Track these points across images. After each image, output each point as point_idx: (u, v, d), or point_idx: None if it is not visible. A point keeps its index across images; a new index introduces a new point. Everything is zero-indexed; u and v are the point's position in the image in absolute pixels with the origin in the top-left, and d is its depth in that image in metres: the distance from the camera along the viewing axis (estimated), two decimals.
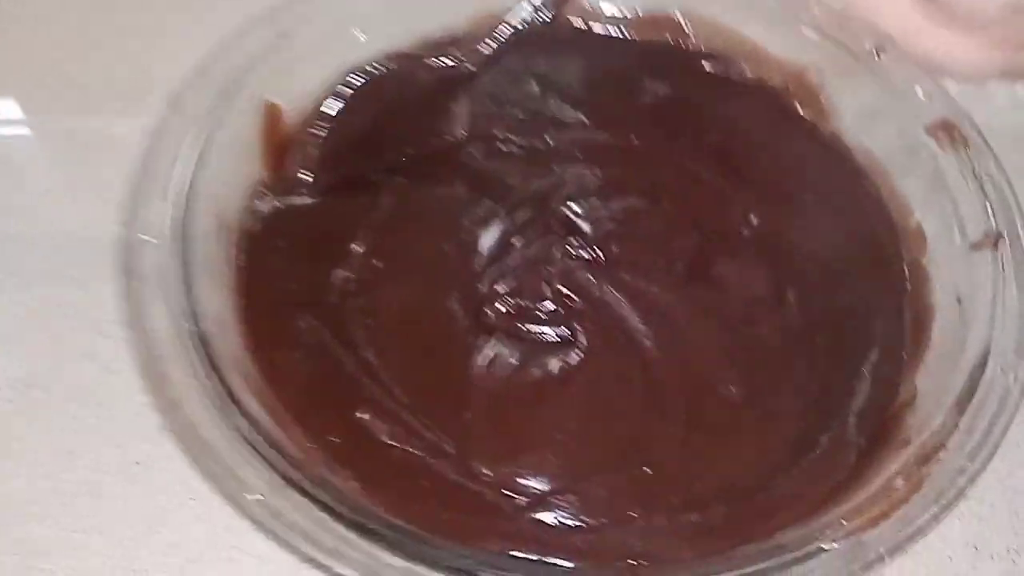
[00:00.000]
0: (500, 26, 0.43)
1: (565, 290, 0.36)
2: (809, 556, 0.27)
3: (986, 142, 0.36)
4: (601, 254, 0.37)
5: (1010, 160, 0.36)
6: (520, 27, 0.43)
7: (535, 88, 0.43)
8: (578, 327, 0.35)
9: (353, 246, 0.36)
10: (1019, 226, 0.35)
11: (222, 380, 0.29)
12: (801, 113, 0.42)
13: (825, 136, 0.41)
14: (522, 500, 0.30)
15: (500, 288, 0.35)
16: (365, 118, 0.40)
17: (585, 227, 0.38)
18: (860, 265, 0.37)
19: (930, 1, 0.41)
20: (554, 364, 0.34)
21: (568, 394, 0.33)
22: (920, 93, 0.38)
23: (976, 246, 0.34)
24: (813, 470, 0.31)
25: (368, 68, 0.41)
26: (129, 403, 0.35)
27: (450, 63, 0.42)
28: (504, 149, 0.40)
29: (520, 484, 0.31)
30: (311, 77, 0.40)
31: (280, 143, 0.38)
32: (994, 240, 0.34)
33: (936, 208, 0.37)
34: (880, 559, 0.26)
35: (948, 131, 0.37)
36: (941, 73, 0.39)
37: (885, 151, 0.39)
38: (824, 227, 0.38)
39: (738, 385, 0.34)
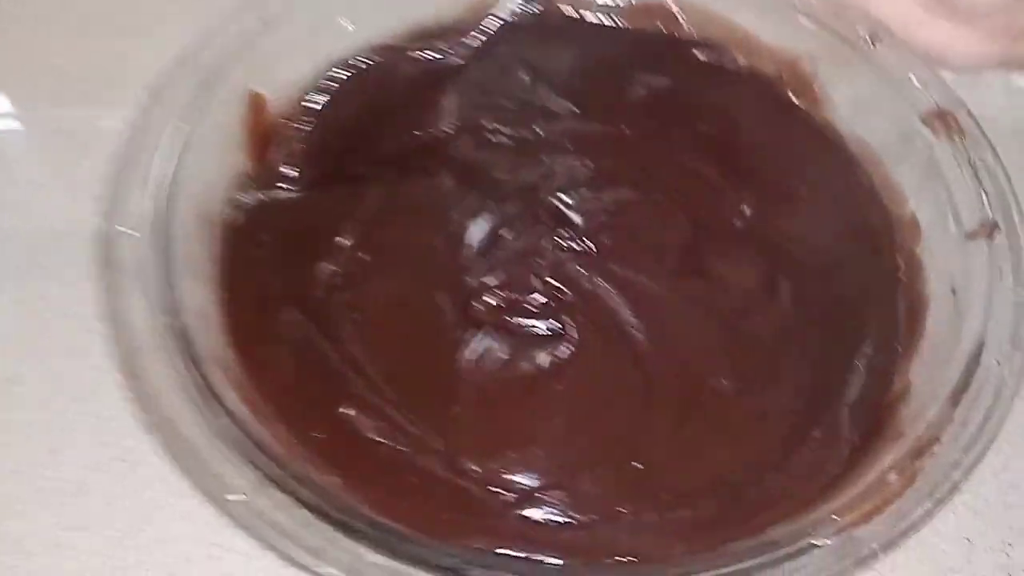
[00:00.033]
0: (489, 16, 0.42)
1: (555, 283, 0.35)
2: (801, 552, 0.26)
3: (982, 131, 0.36)
4: (592, 246, 0.36)
5: (1006, 150, 0.36)
6: (510, 18, 0.42)
7: (525, 78, 0.42)
8: (568, 320, 0.34)
9: (339, 239, 0.35)
10: (1015, 215, 0.34)
11: (203, 376, 0.29)
12: (794, 102, 0.41)
13: (819, 125, 0.40)
14: (510, 496, 0.30)
15: (489, 281, 0.35)
16: (351, 111, 0.39)
17: (575, 219, 0.37)
18: (854, 255, 0.37)
19: None
20: (544, 358, 0.33)
21: (558, 388, 0.33)
22: (915, 81, 0.38)
23: (971, 236, 0.34)
24: (805, 464, 0.31)
25: (354, 61, 0.40)
26: (112, 399, 0.34)
27: (437, 56, 0.41)
28: (493, 140, 0.40)
29: (508, 480, 0.30)
30: (296, 67, 0.39)
31: (264, 134, 0.38)
32: (989, 230, 0.34)
33: (931, 197, 0.36)
34: (873, 555, 0.26)
35: (943, 119, 0.36)
36: (938, 63, 0.39)
37: (879, 140, 0.38)
38: (817, 217, 0.38)
39: (730, 378, 0.33)
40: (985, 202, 0.34)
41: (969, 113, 0.36)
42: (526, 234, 0.36)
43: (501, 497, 0.30)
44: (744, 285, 0.36)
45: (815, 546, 0.26)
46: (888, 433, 0.31)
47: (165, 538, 0.32)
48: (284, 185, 0.37)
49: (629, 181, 0.38)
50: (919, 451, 0.29)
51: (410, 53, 0.41)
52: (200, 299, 0.32)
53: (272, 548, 0.26)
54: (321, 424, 0.30)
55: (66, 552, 0.32)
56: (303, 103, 0.39)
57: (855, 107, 0.39)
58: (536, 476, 0.31)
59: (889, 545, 0.26)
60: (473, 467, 0.30)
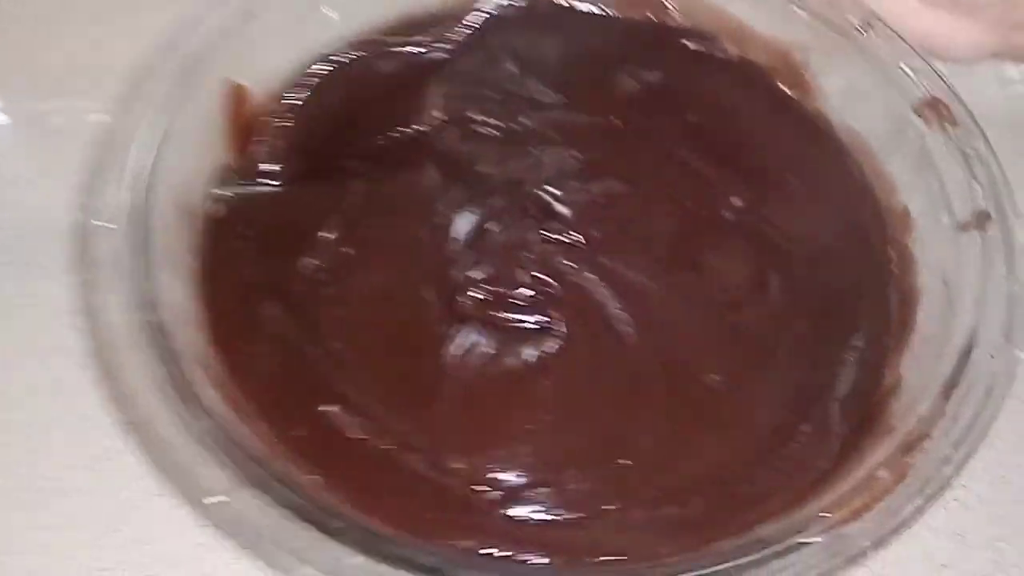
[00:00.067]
0: (476, 6, 0.42)
1: (543, 276, 0.35)
2: (790, 550, 0.26)
3: (975, 121, 0.35)
4: (580, 238, 0.36)
5: (998, 141, 0.35)
6: (497, 8, 0.42)
7: (513, 68, 0.41)
8: (556, 314, 0.34)
9: (322, 234, 0.35)
10: (1007, 206, 0.34)
11: (182, 373, 0.28)
12: (786, 92, 0.41)
13: (810, 116, 0.40)
14: (495, 494, 0.29)
15: (475, 275, 0.34)
16: (334, 105, 0.39)
17: (563, 211, 0.37)
18: (844, 248, 0.36)
19: None
20: (531, 353, 0.33)
21: (545, 383, 0.32)
22: (907, 71, 0.37)
23: (963, 227, 0.34)
24: (795, 460, 0.31)
25: (338, 57, 0.39)
26: (92, 397, 0.34)
27: (422, 50, 0.40)
28: (480, 132, 0.39)
29: (494, 478, 0.30)
30: (280, 57, 0.39)
31: (246, 126, 0.37)
32: (982, 221, 0.33)
33: (922, 188, 0.36)
34: (863, 553, 0.26)
35: (935, 109, 0.36)
36: (932, 54, 0.38)
37: (871, 130, 0.38)
38: (808, 209, 0.37)
39: (719, 373, 0.33)
40: (977, 193, 0.34)
41: (961, 103, 0.36)
42: (513, 227, 0.36)
43: (486, 495, 0.29)
44: (734, 278, 0.35)
45: (804, 544, 0.26)
46: (879, 428, 0.30)
47: (143, 539, 0.32)
48: (266, 180, 0.36)
49: (618, 173, 0.38)
50: (910, 446, 0.28)
51: (394, 49, 0.40)
52: (179, 294, 0.31)
53: (252, 550, 0.26)
54: (303, 422, 0.30)
55: (45, 552, 0.31)
56: (285, 99, 0.38)
57: (847, 97, 0.39)
58: (522, 473, 0.30)
59: (880, 543, 0.26)
60: (458, 464, 0.30)
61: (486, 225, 0.36)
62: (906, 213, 0.36)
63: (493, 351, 0.33)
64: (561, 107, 0.40)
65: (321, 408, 0.30)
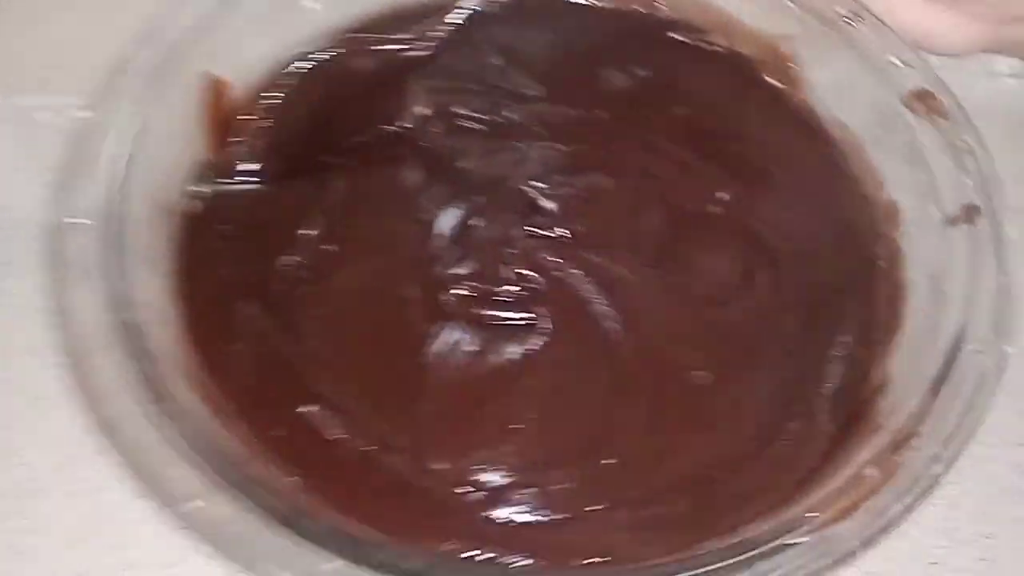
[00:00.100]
0: (459, 3, 0.41)
1: (527, 272, 0.34)
2: (777, 551, 0.25)
3: (964, 113, 0.35)
4: (565, 233, 0.35)
5: (988, 135, 0.35)
6: (480, 7, 0.41)
7: (498, 62, 0.41)
8: (541, 311, 0.33)
9: (302, 231, 0.34)
10: (996, 201, 0.33)
11: (157, 373, 0.28)
12: (774, 84, 0.40)
13: (798, 108, 0.39)
14: (479, 495, 0.29)
15: (459, 271, 0.34)
16: (315, 103, 0.38)
17: (548, 206, 0.36)
18: (832, 242, 0.36)
19: None
20: (515, 350, 0.32)
21: (529, 381, 0.32)
22: (896, 62, 0.37)
23: (952, 221, 0.33)
24: (782, 458, 0.30)
25: (318, 54, 0.39)
26: (65, 398, 0.33)
27: (405, 46, 0.40)
28: (464, 126, 0.39)
29: (477, 478, 0.29)
30: (259, 49, 0.38)
31: (225, 120, 0.36)
32: (971, 215, 0.33)
33: (911, 182, 0.35)
34: (851, 554, 0.25)
35: (924, 100, 0.35)
36: (923, 48, 0.38)
37: (859, 123, 0.37)
38: (795, 203, 0.37)
39: (705, 369, 0.32)
40: (967, 187, 0.34)
41: (951, 94, 0.35)
42: (497, 222, 0.35)
43: (469, 497, 0.29)
44: (720, 273, 0.35)
45: (792, 545, 0.25)
46: (866, 425, 0.30)
47: (118, 544, 0.31)
48: (245, 178, 0.36)
49: (603, 167, 0.37)
50: (898, 444, 0.28)
51: (374, 47, 0.39)
52: (155, 293, 0.31)
53: (229, 555, 0.25)
54: (282, 422, 0.29)
55: (20, 556, 0.31)
56: (264, 98, 0.37)
57: (835, 90, 0.38)
58: (506, 474, 0.30)
59: (868, 542, 0.26)
60: (440, 465, 0.29)
61: (470, 221, 0.35)
62: (894, 207, 0.36)
63: (477, 349, 0.32)
64: (547, 100, 0.40)
65: (300, 409, 0.30)
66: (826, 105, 0.39)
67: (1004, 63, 0.45)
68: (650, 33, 0.42)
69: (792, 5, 0.39)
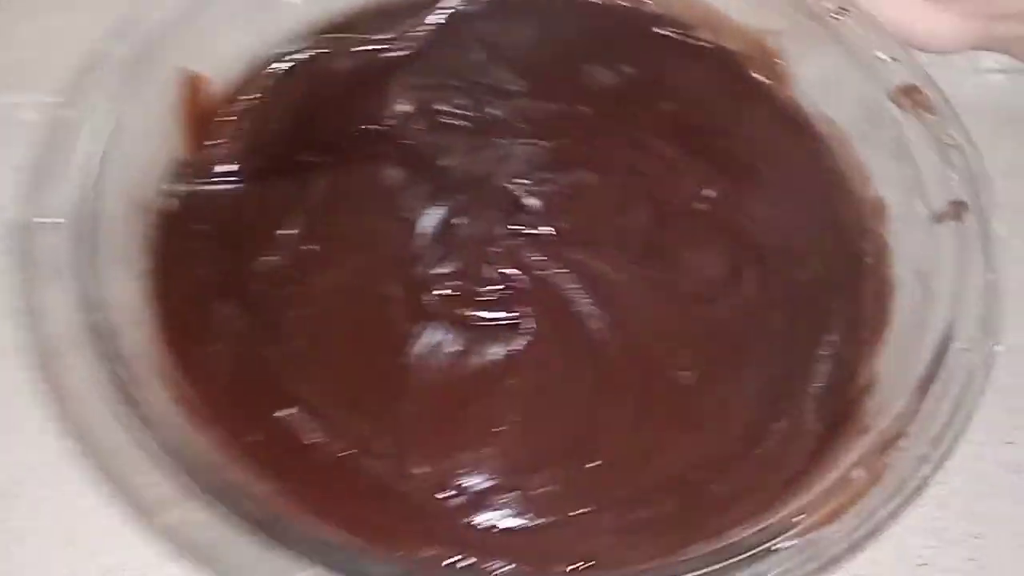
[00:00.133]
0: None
1: (511, 271, 0.34)
2: (763, 556, 0.25)
3: (951, 108, 0.35)
4: (550, 231, 0.35)
5: (975, 130, 0.34)
6: (461, 6, 0.40)
7: (482, 57, 0.40)
8: (525, 310, 0.33)
9: (283, 230, 0.34)
10: (984, 196, 0.33)
11: (129, 377, 0.27)
12: (760, 80, 0.40)
13: (784, 104, 0.39)
14: (460, 500, 0.28)
15: (442, 270, 0.33)
16: (295, 104, 0.37)
17: (532, 203, 0.36)
18: (819, 239, 0.35)
19: None
20: (498, 350, 0.32)
21: (513, 382, 0.31)
22: (883, 57, 0.36)
23: (939, 217, 0.33)
24: (769, 459, 0.30)
25: (298, 54, 0.38)
26: (36, 402, 0.32)
27: (386, 46, 0.39)
28: (447, 122, 0.38)
29: (459, 483, 0.29)
30: (238, 44, 0.37)
31: (202, 117, 0.36)
32: (958, 211, 0.33)
33: (898, 178, 0.35)
34: (838, 558, 0.25)
35: (911, 96, 0.35)
36: (911, 45, 0.38)
37: (845, 118, 0.37)
38: (782, 200, 0.36)
39: (692, 369, 0.32)
40: (954, 182, 0.33)
41: (938, 90, 0.35)
42: (481, 220, 0.35)
43: (451, 501, 0.28)
44: (707, 271, 0.34)
45: (778, 549, 0.25)
46: (854, 425, 0.30)
47: (100, 549, 0.30)
48: (223, 177, 0.35)
49: (588, 163, 0.37)
50: (885, 445, 0.27)
51: (355, 48, 0.39)
52: (129, 293, 0.30)
53: (205, 563, 0.25)
54: (259, 426, 0.29)
55: None
56: (241, 100, 0.37)
57: (822, 85, 0.38)
58: (488, 477, 0.29)
59: (854, 547, 0.25)
60: (421, 469, 0.29)
61: (453, 219, 0.35)
62: (881, 203, 0.36)
63: (460, 349, 0.32)
64: (530, 96, 0.39)
65: (278, 414, 0.29)
66: (813, 100, 0.38)
67: (991, 59, 0.44)
68: (635, 28, 0.41)
69: (778, 0, 0.38)
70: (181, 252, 0.32)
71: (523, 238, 0.34)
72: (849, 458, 0.28)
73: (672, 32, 0.41)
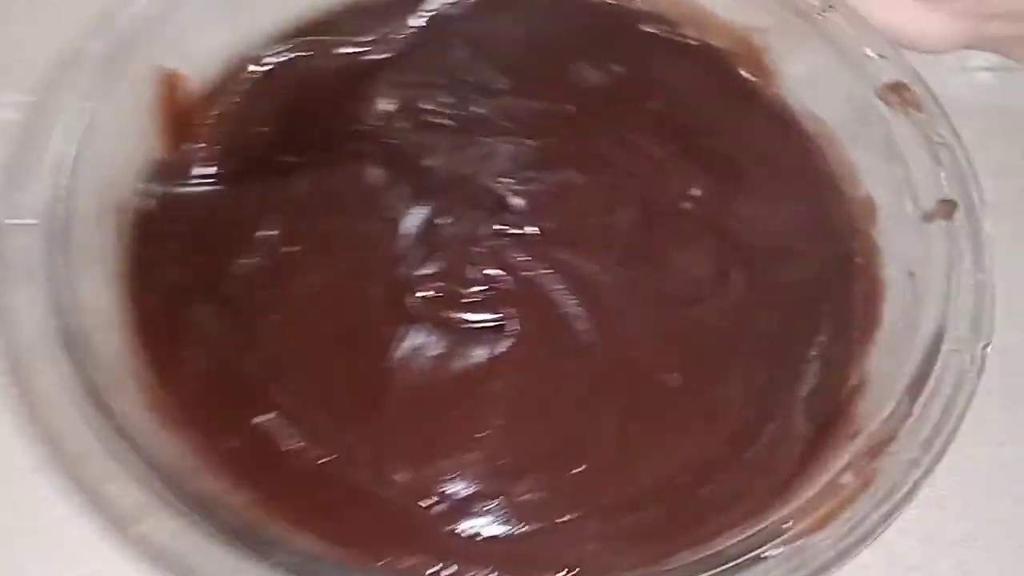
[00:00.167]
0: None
1: (496, 272, 0.33)
2: (751, 563, 0.24)
3: (940, 106, 0.34)
4: (535, 230, 0.34)
5: (964, 129, 0.34)
6: (443, 8, 0.40)
7: (466, 55, 0.40)
8: (509, 312, 0.32)
9: (262, 231, 0.33)
10: (974, 195, 0.33)
11: (102, 383, 0.26)
12: (747, 78, 0.39)
13: (772, 102, 0.38)
14: (443, 507, 0.28)
15: (425, 271, 0.33)
16: (275, 105, 0.36)
17: (518, 203, 0.35)
18: (807, 239, 0.35)
19: None
20: (482, 353, 0.31)
21: (497, 386, 0.31)
22: (871, 54, 0.36)
23: (929, 216, 0.32)
24: (758, 463, 0.29)
25: (278, 56, 0.37)
26: (10, 407, 0.31)
27: (367, 48, 0.38)
28: (432, 122, 0.37)
29: (441, 490, 0.28)
30: (216, 41, 0.36)
31: (180, 116, 0.35)
32: (948, 210, 0.32)
33: (887, 176, 0.34)
34: (827, 566, 0.24)
35: (899, 92, 0.35)
36: (904, 46, 0.37)
37: (834, 116, 0.37)
38: (770, 199, 0.36)
39: (679, 371, 0.31)
40: (944, 181, 0.33)
41: (927, 87, 0.35)
42: (465, 220, 0.34)
43: (433, 509, 0.28)
44: (694, 272, 0.34)
45: (766, 557, 0.25)
46: (844, 427, 0.29)
47: (64, 564, 0.30)
48: (201, 179, 0.34)
49: (573, 162, 0.36)
50: (875, 448, 0.27)
51: (336, 50, 0.38)
52: (102, 296, 0.29)
53: (178, 572, 0.24)
54: (235, 432, 0.28)
55: None
56: (220, 102, 0.36)
57: (809, 82, 0.38)
58: (471, 484, 0.28)
59: (844, 554, 0.25)
60: (403, 476, 0.28)
61: (437, 219, 0.34)
62: (871, 202, 0.35)
63: (443, 352, 0.31)
64: (515, 94, 0.38)
65: (256, 420, 0.28)
66: (800, 98, 0.38)
67: (980, 57, 0.44)
68: (621, 26, 0.41)
69: None
70: (156, 254, 0.32)
71: (508, 238, 0.34)
72: (839, 462, 0.27)
73: (658, 30, 0.40)
